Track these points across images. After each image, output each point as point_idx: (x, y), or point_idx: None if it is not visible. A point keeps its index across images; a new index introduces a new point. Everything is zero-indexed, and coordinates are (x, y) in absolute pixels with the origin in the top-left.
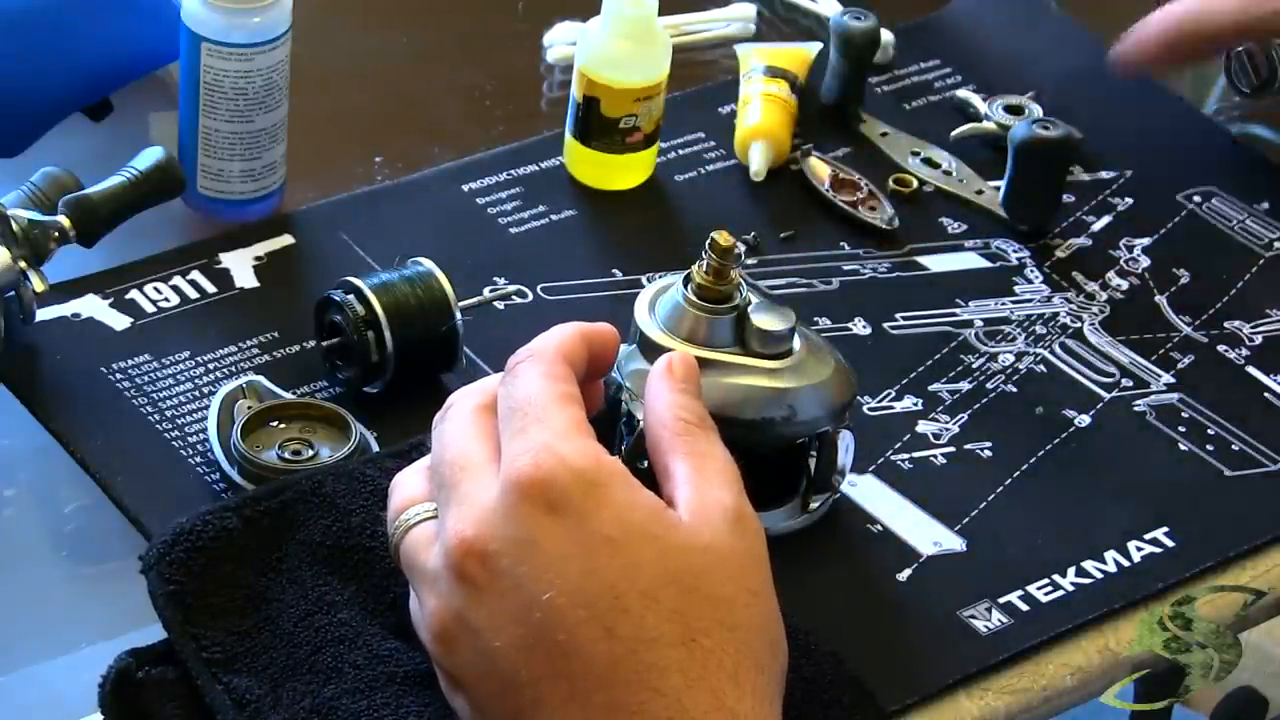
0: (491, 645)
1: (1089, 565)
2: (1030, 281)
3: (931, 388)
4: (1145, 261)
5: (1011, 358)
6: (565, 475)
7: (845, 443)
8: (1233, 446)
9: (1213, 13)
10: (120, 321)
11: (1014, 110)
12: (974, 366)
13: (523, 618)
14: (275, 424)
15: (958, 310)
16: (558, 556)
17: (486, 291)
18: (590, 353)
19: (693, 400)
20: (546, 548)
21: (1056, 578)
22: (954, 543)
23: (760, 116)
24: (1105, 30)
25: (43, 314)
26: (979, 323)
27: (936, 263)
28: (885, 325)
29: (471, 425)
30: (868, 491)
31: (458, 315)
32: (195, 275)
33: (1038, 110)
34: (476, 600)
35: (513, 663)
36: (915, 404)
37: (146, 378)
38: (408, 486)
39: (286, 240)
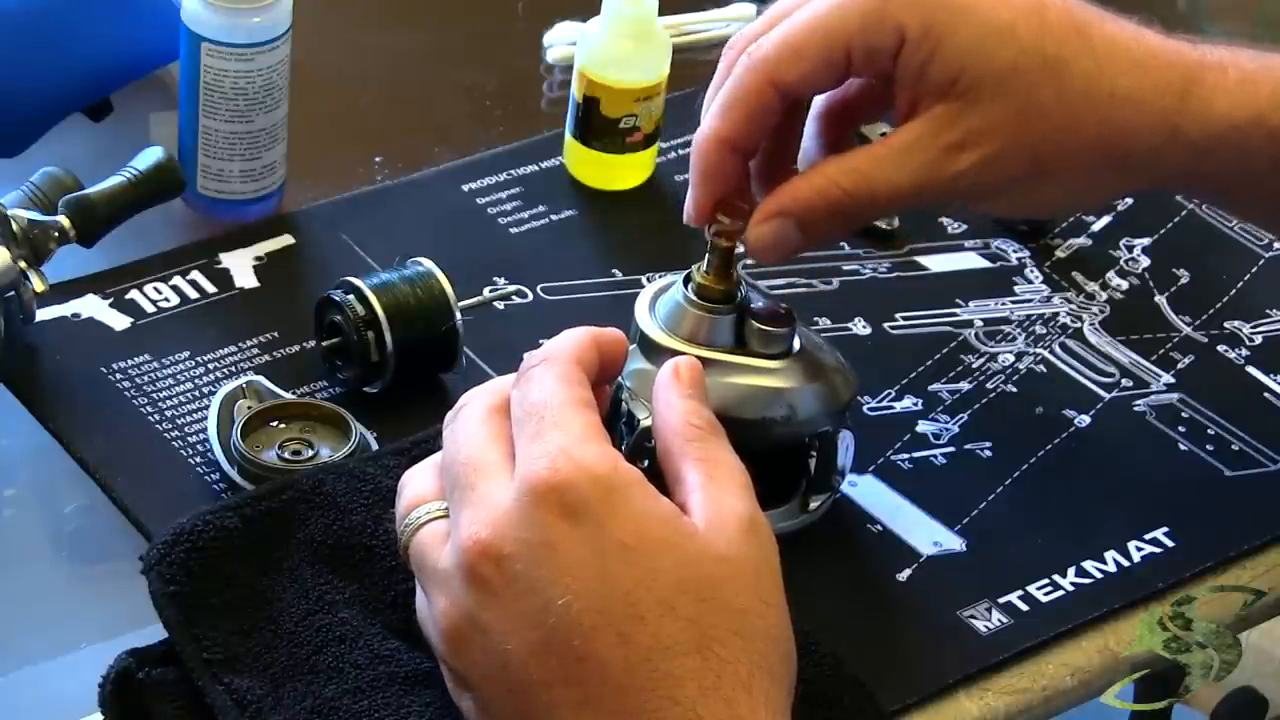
0: (503, 648)
1: (1089, 565)
2: (1030, 281)
3: (931, 388)
4: (1145, 261)
5: (1011, 358)
6: (582, 480)
7: (845, 443)
8: (1233, 446)
9: (886, 182)
10: (120, 321)
11: None
12: (974, 366)
13: (537, 622)
14: (275, 424)
15: (958, 310)
16: (574, 562)
17: (486, 291)
18: (601, 358)
19: (701, 405)
20: (563, 552)
21: (1056, 578)
22: (954, 543)
23: None
24: None
25: (43, 314)
26: (979, 323)
27: (936, 263)
28: (885, 325)
29: (485, 426)
30: (868, 491)
31: (458, 315)
32: (195, 275)
33: None
34: (489, 602)
35: (525, 666)
36: (915, 404)
37: (146, 378)
38: (417, 484)
39: (286, 240)
